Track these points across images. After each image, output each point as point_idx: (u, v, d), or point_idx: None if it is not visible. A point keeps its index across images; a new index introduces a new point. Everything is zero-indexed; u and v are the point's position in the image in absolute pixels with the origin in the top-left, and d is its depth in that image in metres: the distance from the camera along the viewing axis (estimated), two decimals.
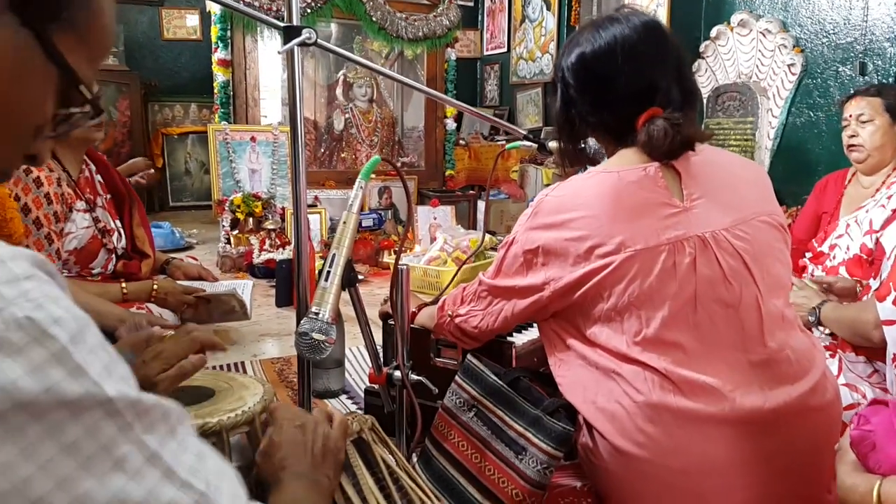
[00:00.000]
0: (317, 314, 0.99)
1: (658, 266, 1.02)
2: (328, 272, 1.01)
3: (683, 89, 1.14)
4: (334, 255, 1.03)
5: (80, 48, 0.54)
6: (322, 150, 4.52)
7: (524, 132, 1.59)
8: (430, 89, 1.65)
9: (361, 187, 1.08)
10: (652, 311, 1.02)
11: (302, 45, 1.24)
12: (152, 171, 2.86)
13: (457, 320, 1.28)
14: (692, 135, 1.10)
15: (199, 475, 0.48)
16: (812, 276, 1.93)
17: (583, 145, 1.26)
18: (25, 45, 0.51)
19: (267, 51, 4.00)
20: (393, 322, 1.34)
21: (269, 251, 3.54)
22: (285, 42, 1.26)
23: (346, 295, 1.12)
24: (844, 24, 3.35)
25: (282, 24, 1.27)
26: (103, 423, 0.43)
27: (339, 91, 4.55)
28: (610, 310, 1.04)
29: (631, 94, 1.10)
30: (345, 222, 1.07)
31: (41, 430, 0.41)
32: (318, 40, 1.28)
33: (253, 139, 3.92)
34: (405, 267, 1.24)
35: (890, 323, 1.23)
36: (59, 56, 0.53)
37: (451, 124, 4.83)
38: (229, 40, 3.81)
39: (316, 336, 0.98)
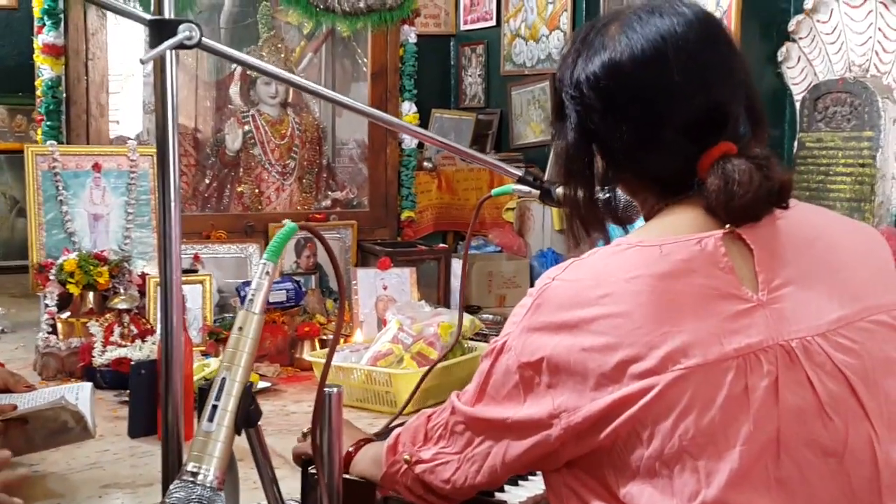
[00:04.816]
0: (195, 475, 1.01)
1: (723, 392, 1.06)
2: (214, 407, 1.04)
3: (753, 118, 1.21)
4: (224, 379, 1.06)
5: None
6: (207, 182, 4.55)
7: (518, 172, 1.66)
8: (369, 108, 1.71)
9: (268, 272, 1.12)
10: (715, 461, 1.06)
11: (179, 48, 1.30)
12: None
13: (417, 469, 1.30)
14: (786, 182, 1.17)
15: None
16: None
17: (606, 195, 1.31)
18: None
19: (120, 31, 4.06)
20: (316, 471, 1.35)
21: (120, 345, 3.52)
22: (154, 43, 1.31)
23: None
24: None
25: (148, 18, 1.33)
26: None
27: (234, 90, 4.60)
28: (653, 458, 1.08)
29: (689, 122, 1.16)
30: (241, 328, 1.10)
31: None
32: (204, 39, 1.35)
33: (97, 167, 3.93)
34: (335, 390, 1.27)
35: None
36: None
37: (409, 139, 4.90)
38: (62, 15, 3.85)
39: None
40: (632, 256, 1.14)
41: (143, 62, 1.25)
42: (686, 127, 1.16)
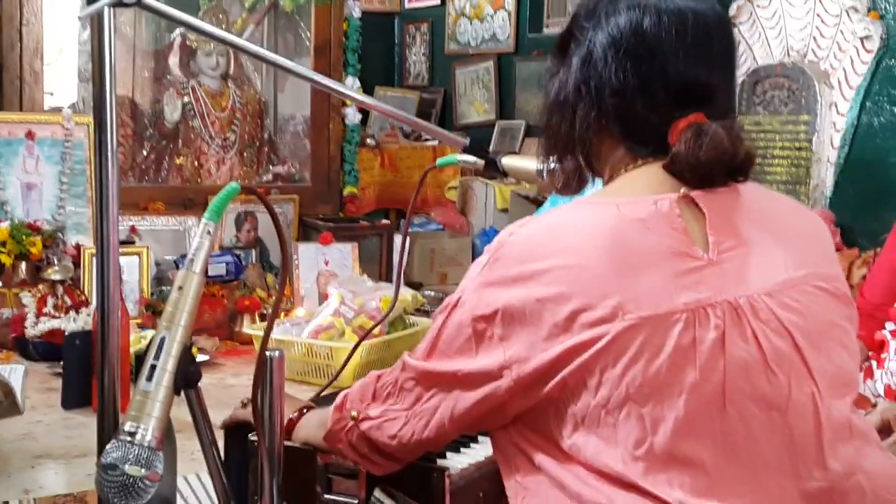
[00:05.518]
0: (132, 434, 1.00)
1: (671, 342, 1.08)
2: (153, 367, 1.02)
3: (729, 109, 1.27)
4: (163, 338, 1.04)
5: None
6: (145, 154, 4.49)
7: (464, 140, 1.66)
8: (314, 73, 1.69)
9: (209, 232, 1.10)
10: (660, 409, 1.08)
11: (117, 5, 1.28)
12: None
13: (364, 426, 1.30)
14: (749, 154, 1.22)
15: None
16: None
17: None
18: None
19: None
20: (256, 438, 1.34)
21: (54, 317, 3.46)
22: (92, 0, 1.29)
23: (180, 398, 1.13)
24: None
25: None
26: None
27: (174, 60, 4.54)
28: (599, 407, 1.09)
29: (683, 87, 1.21)
30: (181, 287, 1.09)
31: None
32: None
33: (30, 135, 3.86)
34: (276, 353, 1.26)
35: None
36: None
37: (352, 115, 4.90)
38: None
39: (130, 471, 0.98)
40: (589, 213, 1.17)
41: (80, 18, 1.23)
42: (678, 90, 1.21)
